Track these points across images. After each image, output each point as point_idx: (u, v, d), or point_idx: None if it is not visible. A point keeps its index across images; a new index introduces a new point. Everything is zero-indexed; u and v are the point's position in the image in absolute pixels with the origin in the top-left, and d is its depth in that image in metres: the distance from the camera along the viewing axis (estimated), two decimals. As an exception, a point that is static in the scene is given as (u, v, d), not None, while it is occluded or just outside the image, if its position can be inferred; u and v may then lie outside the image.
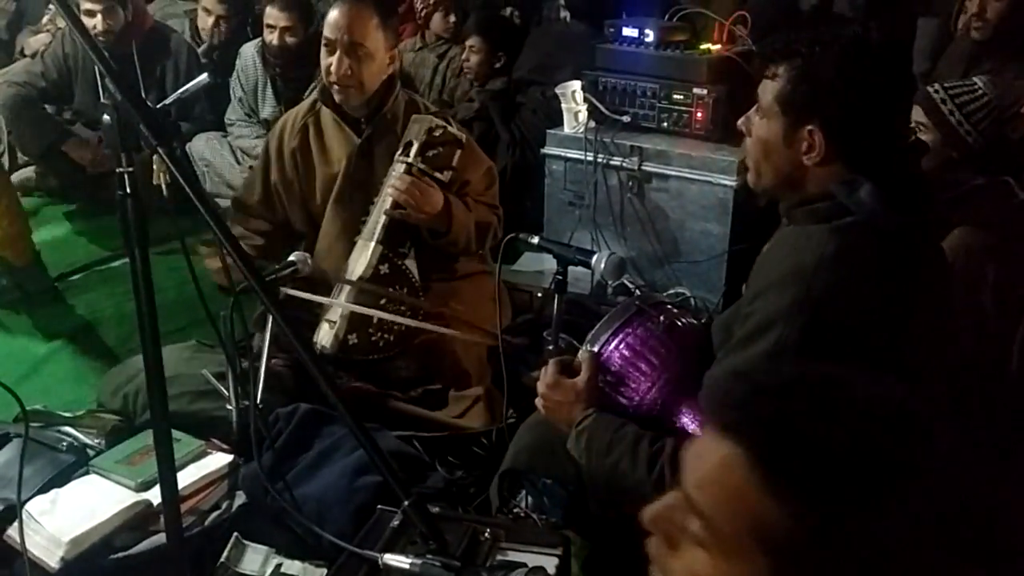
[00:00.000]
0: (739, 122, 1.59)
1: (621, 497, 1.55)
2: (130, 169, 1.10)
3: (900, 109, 1.53)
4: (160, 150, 1.08)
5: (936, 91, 2.30)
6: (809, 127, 1.43)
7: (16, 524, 1.78)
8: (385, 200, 2.42)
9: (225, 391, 2.11)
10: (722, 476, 0.72)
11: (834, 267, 1.39)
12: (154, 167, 1.15)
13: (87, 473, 2.03)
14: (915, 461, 0.69)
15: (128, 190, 1.10)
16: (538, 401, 1.70)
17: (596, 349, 1.68)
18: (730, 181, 2.91)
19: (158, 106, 1.84)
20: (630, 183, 3.12)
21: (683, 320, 1.72)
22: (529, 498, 2.04)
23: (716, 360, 1.57)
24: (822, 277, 1.39)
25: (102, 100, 1.08)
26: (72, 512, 1.84)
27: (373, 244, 2.45)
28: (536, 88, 3.81)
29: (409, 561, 1.00)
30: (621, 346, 1.67)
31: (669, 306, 1.76)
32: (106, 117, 1.09)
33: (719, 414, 0.75)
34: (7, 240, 3.20)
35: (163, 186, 1.18)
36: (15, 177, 4.39)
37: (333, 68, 2.40)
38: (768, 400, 0.73)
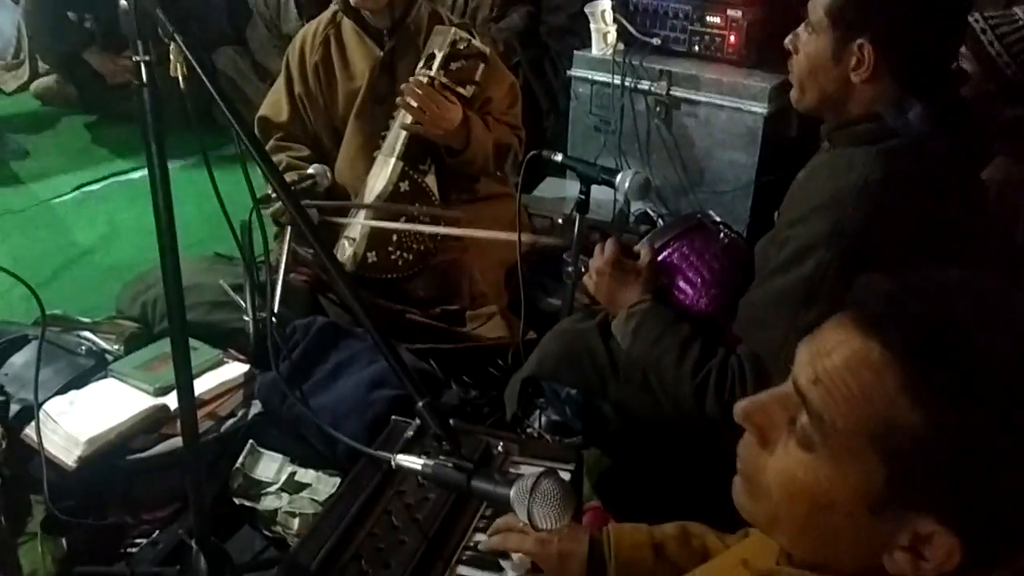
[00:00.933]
0: (786, 40, 1.53)
1: (653, 392, 1.54)
2: (147, 58, 1.06)
3: (953, 27, 1.47)
4: (177, 37, 1.04)
5: (976, 20, 2.21)
6: (859, 41, 1.38)
7: (33, 424, 1.80)
8: (405, 115, 2.37)
9: (242, 302, 2.11)
10: (851, 373, 0.68)
11: (878, 192, 1.35)
12: (171, 58, 1.11)
13: (105, 377, 2.04)
14: None
15: (145, 80, 1.06)
16: (591, 274, 1.67)
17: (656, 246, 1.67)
18: (761, 108, 2.83)
19: None
20: (658, 108, 3.04)
21: (739, 242, 1.70)
22: (543, 418, 2.05)
23: (753, 284, 1.55)
24: (865, 202, 1.35)
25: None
26: (90, 413, 1.86)
27: (393, 160, 2.41)
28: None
29: (422, 462, 0.99)
30: (675, 255, 1.66)
31: (726, 226, 1.74)
32: (123, 2, 1.05)
33: (863, 309, 0.71)
34: None
35: (179, 78, 1.14)
36: (35, 86, 4.37)
37: None
38: (925, 301, 0.69)
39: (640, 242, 1.71)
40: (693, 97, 2.97)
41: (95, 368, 2.09)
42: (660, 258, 1.67)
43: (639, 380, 1.58)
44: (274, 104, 2.62)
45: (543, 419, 2.06)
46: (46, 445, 1.78)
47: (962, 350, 0.65)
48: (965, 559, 0.67)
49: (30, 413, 1.84)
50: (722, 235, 1.68)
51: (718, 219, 1.78)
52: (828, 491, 0.70)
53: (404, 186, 2.41)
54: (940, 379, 0.65)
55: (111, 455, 1.81)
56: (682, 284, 1.65)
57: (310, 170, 2.27)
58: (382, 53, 2.45)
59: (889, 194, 1.36)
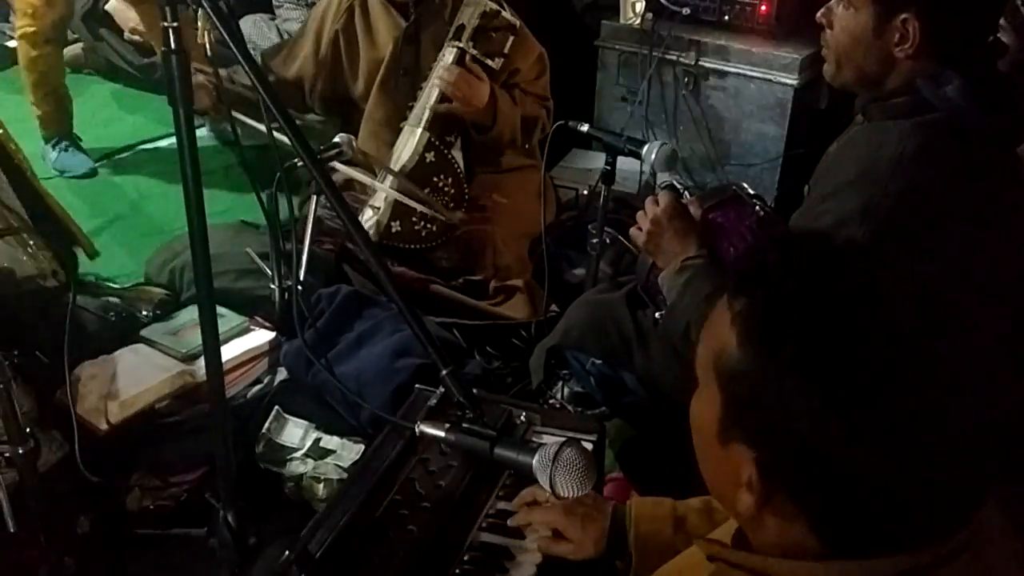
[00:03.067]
0: (818, 14, 1.50)
1: (681, 358, 1.54)
2: (175, 24, 1.06)
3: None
4: (204, 3, 1.04)
5: None
6: (904, 16, 1.34)
7: (65, 387, 1.84)
8: (432, 89, 2.37)
9: (268, 270, 2.13)
10: (715, 310, 0.78)
11: (913, 166, 1.33)
12: (198, 24, 1.11)
13: (135, 343, 2.07)
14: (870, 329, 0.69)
15: (173, 45, 1.06)
16: (645, 224, 1.63)
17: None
18: (791, 80, 2.79)
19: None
20: (686, 79, 3.01)
21: (773, 216, 1.68)
22: (566, 389, 2.06)
23: None
24: (899, 176, 1.33)
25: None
26: (120, 378, 1.90)
27: (420, 131, 2.41)
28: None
29: (445, 429, 1.00)
30: (712, 223, 1.64)
31: (760, 199, 1.72)
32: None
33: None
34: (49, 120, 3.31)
35: (207, 45, 1.15)
36: (64, 53, 4.39)
37: None
38: (771, 247, 0.77)
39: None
40: (722, 68, 2.93)
41: (125, 334, 2.12)
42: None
43: (678, 335, 1.55)
44: (284, 61, 2.61)
45: (566, 390, 2.07)
46: (78, 409, 1.82)
47: (768, 291, 0.72)
48: (815, 538, 0.72)
49: (62, 377, 1.87)
50: (756, 207, 1.66)
51: (752, 192, 1.76)
52: (700, 418, 0.79)
53: (430, 157, 2.41)
54: (751, 318, 0.72)
55: (140, 419, 1.84)
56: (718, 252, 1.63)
57: (336, 139, 2.27)
58: (407, 24, 2.44)
59: (924, 168, 1.34)
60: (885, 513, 0.70)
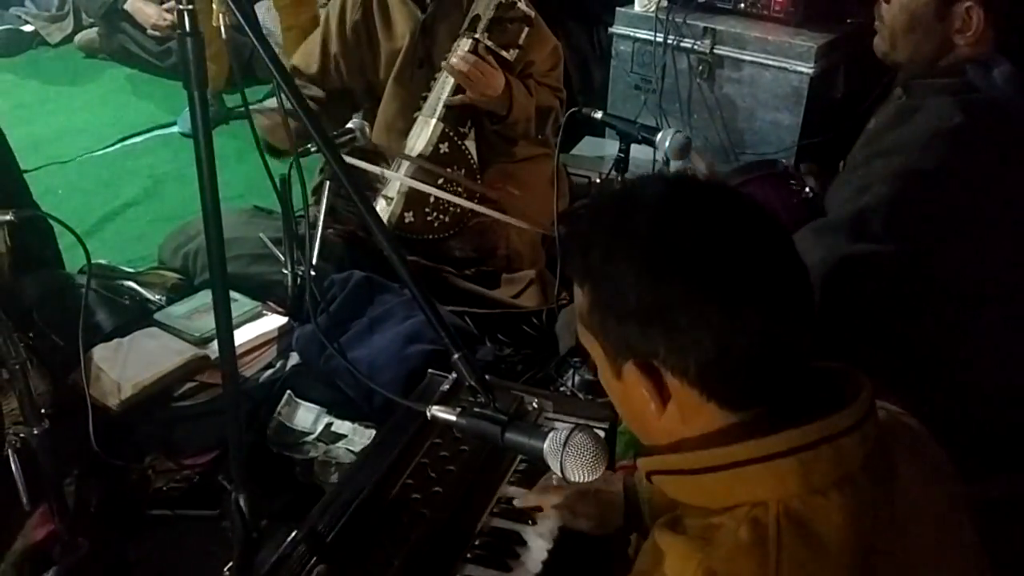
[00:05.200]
0: None
1: None
2: (190, 7, 1.06)
3: None
4: (219, -15, 1.04)
5: None
6: (968, 3, 1.33)
7: (79, 369, 1.85)
8: (447, 80, 2.37)
9: (281, 256, 2.14)
10: (576, 307, 0.89)
11: (950, 140, 1.32)
12: (213, 6, 1.11)
13: (148, 326, 2.09)
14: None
15: (188, 28, 1.06)
16: None
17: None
18: (807, 68, 2.77)
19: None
20: (700, 67, 2.99)
21: (816, 200, 1.66)
22: (577, 376, 2.06)
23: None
24: (936, 146, 1.32)
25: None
26: (133, 360, 1.91)
27: (434, 121, 2.41)
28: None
29: (457, 413, 1.00)
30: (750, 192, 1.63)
31: (803, 181, 1.71)
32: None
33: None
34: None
35: (221, 28, 1.15)
36: (79, 38, 4.41)
37: None
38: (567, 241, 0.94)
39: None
40: (737, 56, 2.91)
41: (138, 317, 2.13)
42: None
43: None
44: (307, 55, 2.62)
45: (577, 378, 2.07)
46: (92, 391, 1.83)
47: (577, 241, 0.88)
48: (729, 411, 0.81)
49: (76, 359, 1.88)
50: (793, 184, 1.64)
51: (793, 173, 1.74)
52: (602, 375, 0.89)
53: (444, 148, 2.41)
54: (573, 266, 0.88)
55: (154, 402, 1.85)
56: None
57: (349, 124, 2.28)
58: (424, 15, 2.43)
59: (960, 144, 1.32)
60: (760, 372, 0.79)
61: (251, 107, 1.84)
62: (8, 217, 1.51)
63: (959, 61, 1.36)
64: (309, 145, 1.86)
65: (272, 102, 2.20)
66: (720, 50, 2.93)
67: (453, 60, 2.33)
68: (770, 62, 2.85)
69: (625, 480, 1.26)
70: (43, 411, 1.53)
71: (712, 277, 0.78)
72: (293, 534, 1.16)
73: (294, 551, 1.16)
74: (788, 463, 0.77)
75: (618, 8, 3.16)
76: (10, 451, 1.56)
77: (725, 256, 0.79)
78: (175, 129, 3.57)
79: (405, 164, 2.43)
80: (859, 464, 0.79)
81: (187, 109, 3.38)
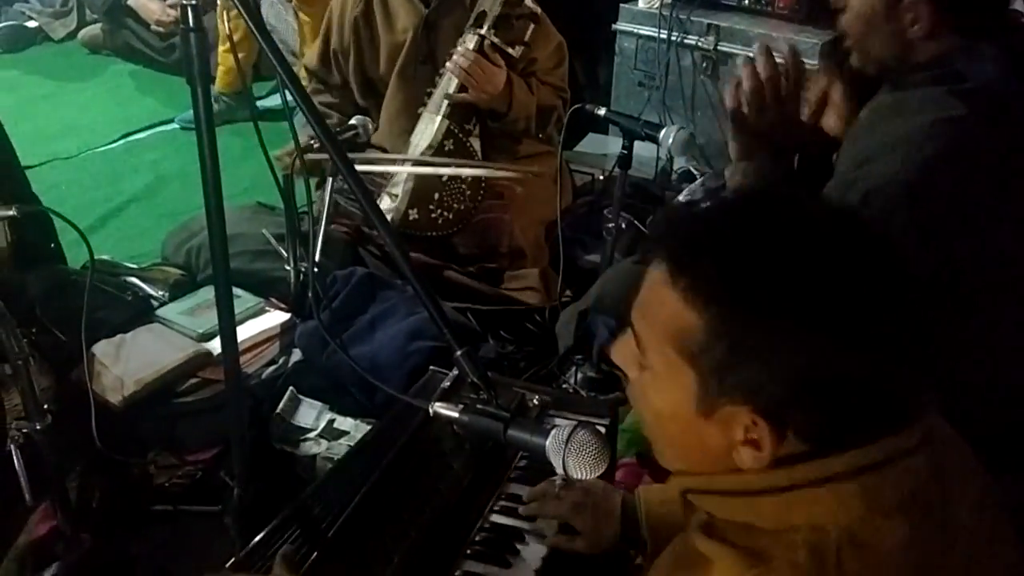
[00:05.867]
0: None
1: None
2: (194, 2, 1.06)
3: None
4: (222, -18, 1.04)
5: None
6: None
7: (82, 365, 1.85)
8: (451, 77, 2.37)
9: (284, 252, 2.14)
10: (651, 295, 0.78)
11: (950, 130, 1.30)
12: (218, 3, 1.11)
13: (151, 322, 2.09)
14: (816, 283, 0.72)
15: (192, 24, 1.06)
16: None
17: None
18: (812, 64, 2.75)
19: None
20: (704, 64, 2.98)
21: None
22: (579, 374, 2.06)
23: None
24: (935, 139, 1.30)
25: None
26: (136, 356, 1.91)
27: (439, 118, 2.41)
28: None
29: (459, 409, 1.00)
30: None
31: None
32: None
33: (650, 239, 0.82)
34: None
35: (227, 28, 1.15)
36: (82, 34, 4.41)
37: None
38: (684, 219, 0.80)
39: None
40: (741, 52, 2.90)
41: (141, 313, 2.14)
42: None
43: None
44: (313, 51, 2.62)
45: (579, 375, 2.07)
46: (94, 386, 1.83)
47: (712, 255, 0.74)
48: (802, 442, 0.74)
49: (79, 355, 1.89)
50: None
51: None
52: (668, 404, 0.79)
53: (449, 145, 2.41)
54: (699, 282, 0.74)
55: (156, 398, 1.86)
56: None
57: (352, 121, 2.27)
58: (427, 10, 2.43)
59: (959, 134, 1.31)
60: (861, 407, 0.73)
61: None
62: (11, 213, 1.52)
63: (936, 55, 1.35)
64: (312, 142, 1.87)
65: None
66: (724, 47, 2.93)
67: (455, 57, 2.32)
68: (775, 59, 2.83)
69: (624, 496, 1.24)
70: (46, 407, 1.53)
71: (862, 333, 0.72)
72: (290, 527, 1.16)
73: (282, 530, 1.16)
74: (850, 486, 0.73)
75: (622, 4, 3.16)
76: (13, 447, 1.56)
77: (868, 307, 0.73)
78: (174, 124, 3.59)
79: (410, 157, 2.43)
80: (923, 485, 0.75)
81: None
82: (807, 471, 0.74)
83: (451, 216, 2.43)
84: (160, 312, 2.11)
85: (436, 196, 2.39)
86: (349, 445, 1.82)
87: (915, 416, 0.76)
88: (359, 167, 2.18)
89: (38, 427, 1.51)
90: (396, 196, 2.42)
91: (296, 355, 2.05)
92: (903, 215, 1.31)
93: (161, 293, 2.24)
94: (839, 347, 0.71)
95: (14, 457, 1.57)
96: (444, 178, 2.39)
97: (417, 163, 2.37)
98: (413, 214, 2.41)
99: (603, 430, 1.36)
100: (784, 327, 0.71)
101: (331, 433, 1.85)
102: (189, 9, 1.07)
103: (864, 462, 0.73)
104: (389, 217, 2.38)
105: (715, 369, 0.74)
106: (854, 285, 0.72)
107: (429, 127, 2.43)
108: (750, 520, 0.77)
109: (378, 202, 2.42)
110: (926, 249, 1.33)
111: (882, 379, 0.74)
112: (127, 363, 1.88)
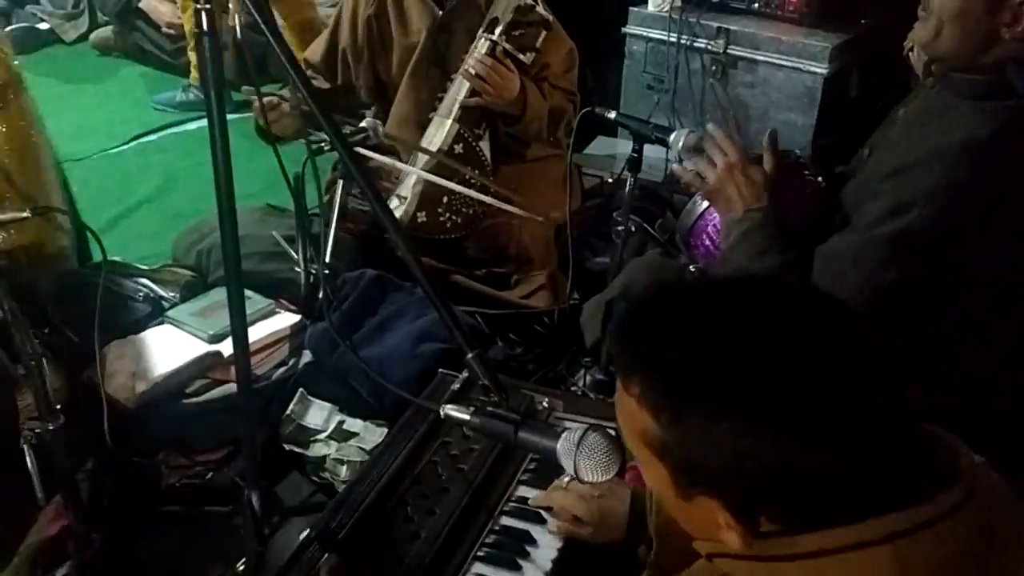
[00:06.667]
0: None
1: None
2: (207, 6, 1.07)
3: None
4: (236, -15, 1.04)
5: None
6: None
7: (94, 365, 1.86)
8: (463, 81, 2.37)
9: (294, 254, 2.14)
10: (619, 394, 0.81)
11: (985, 150, 1.30)
12: (228, 5, 1.12)
13: (162, 323, 2.10)
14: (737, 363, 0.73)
15: (205, 27, 1.07)
16: (721, 165, 1.55)
17: None
18: (821, 69, 2.76)
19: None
20: (713, 68, 2.98)
21: (826, 189, 1.63)
22: (588, 377, 2.06)
23: (842, 232, 1.49)
24: (970, 159, 1.30)
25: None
26: (147, 357, 1.92)
27: (450, 122, 2.41)
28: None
29: (470, 412, 1.00)
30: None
31: (816, 171, 1.69)
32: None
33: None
34: None
35: (236, 27, 1.15)
36: (94, 36, 4.43)
37: None
38: (631, 326, 0.81)
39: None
40: (751, 56, 2.90)
41: (152, 314, 2.15)
42: None
43: None
44: (315, 45, 2.61)
45: (588, 378, 2.07)
46: (107, 387, 1.84)
47: (652, 365, 0.76)
48: (768, 524, 0.75)
49: (91, 355, 1.89)
50: (819, 179, 1.62)
51: (807, 163, 1.72)
52: (657, 487, 0.82)
53: (458, 148, 2.41)
54: (646, 390, 0.76)
55: (167, 398, 1.86)
56: None
57: (363, 123, 2.28)
58: (441, 13, 2.43)
59: (995, 155, 1.30)
60: (858, 484, 0.72)
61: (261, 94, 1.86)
62: (25, 214, 1.53)
63: (1001, 58, 1.34)
64: (323, 144, 1.87)
65: (285, 92, 2.18)
66: (734, 50, 2.92)
67: (470, 62, 2.33)
68: (784, 62, 2.84)
69: (633, 492, 1.25)
70: (58, 407, 1.54)
71: (833, 423, 0.71)
72: (307, 532, 1.17)
73: (307, 548, 1.16)
74: (883, 551, 0.71)
75: (631, 8, 3.16)
76: (25, 446, 1.57)
77: (840, 397, 0.72)
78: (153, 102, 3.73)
79: (420, 161, 2.43)
80: (962, 547, 0.73)
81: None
82: (836, 538, 0.73)
83: (459, 220, 2.43)
84: (171, 313, 2.12)
85: (445, 200, 2.39)
86: (359, 447, 1.82)
87: (947, 470, 0.75)
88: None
89: (50, 427, 1.51)
90: (404, 199, 2.42)
91: (306, 357, 2.05)
92: (923, 235, 1.32)
93: (172, 294, 2.24)
94: (794, 447, 0.71)
95: (27, 456, 1.58)
96: (454, 180, 2.39)
97: (427, 172, 2.37)
98: (421, 217, 2.41)
99: (614, 433, 1.37)
100: (730, 428, 0.71)
101: (340, 434, 1.85)
102: (203, 13, 1.07)
103: (897, 527, 0.72)
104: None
105: (678, 465, 0.76)
106: (806, 382, 0.72)
107: (440, 131, 2.43)
108: None
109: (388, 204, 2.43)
110: (955, 260, 1.34)
111: (866, 466, 0.72)
112: (138, 364, 1.89)
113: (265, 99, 2.10)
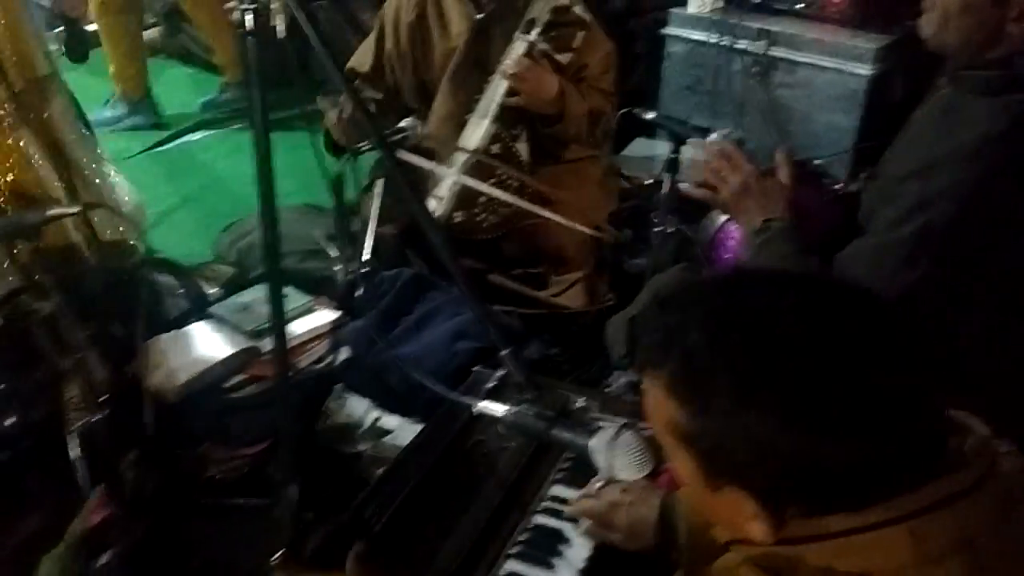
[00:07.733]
0: None
1: None
2: (253, 6, 1.09)
3: None
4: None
5: None
6: None
7: (138, 358, 1.90)
8: (501, 82, 2.38)
9: (333, 252, 2.17)
10: (646, 385, 0.82)
11: (999, 147, 1.29)
12: (271, 7, 1.13)
13: (204, 319, 2.14)
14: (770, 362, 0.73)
15: (250, 28, 1.09)
16: (738, 179, 1.54)
17: None
18: (865, 70, 2.72)
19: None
20: (754, 69, 2.95)
21: (845, 195, 1.63)
22: (623, 379, 2.05)
23: (863, 235, 1.48)
24: (984, 158, 1.29)
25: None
26: (189, 351, 1.96)
27: (487, 123, 2.41)
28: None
29: (504, 409, 1.01)
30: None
31: (834, 179, 1.68)
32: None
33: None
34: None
35: (279, 28, 1.17)
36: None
37: None
38: (656, 317, 0.81)
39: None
40: (793, 57, 2.87)
41: (194, 310, 2.19)
42: None
43: None
44: (360, 55, 2.64)
45: (622, 379, 2.06)
46: (149, 380, 1.88)
47: (678, 354, 0.76)
48: (795, 512, 0.76)
49: (135, 349, 1.94)
50: (837, 187, 1.61)
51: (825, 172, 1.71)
52: (686, 477, 0.82)
53: (495, 149, 2.42)
54: (673, 380, 0.77)
55: (208, 392, 1.90)
56: None
57: (402, 123, 2.30)
58: (480, 16, 2.44)
59: (1011, 149, 1.29)
60: (867, 479, 0.73)
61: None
62: (75, 210, 1.56)
63: (1009, 53, 1.32)
64: (362, 144, 1.89)
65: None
66: (775, 51, 2.89)
67: (507, 63, 2.34)
68: (827, 64, 2.80)
69: (664, 497, 1.24)
70: (102, 399, 1.57)
71: (862, 411, 0.71)
72: (338, 522, 1.18)
73: (338, 535, 1.18)
74: (897, 532, 0.72)
75: (672, 9, 3.14)
76: (70, 437, 1.60)
77: (869, 385, 0.72)
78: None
79: (459, 161, 2.44)
80: (982, 527, 0.73)
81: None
82: (849, 520, 0.73)
83: (496, 220, 2.43)
84: (212, 309, 2.16)
85: (482, 199, 2.40)
86: (394, 443, 1.84)
87: (966, 450, 0.76)
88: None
89: (95, 418, 1.55)
90: (441, 199, 2.43)
91: (344, 353, 2.08)
92: (940, 234, 1.31)
93: (214, 291, 2.29)
94: (821, 435, 0.71)
95: (71, 447, 1.62)
96: (491, 181, 2.40)
97: (464, 174, 2.38)
98: (458, 217, 2.42)
99: (648, 433, 1.36)
100: (757, 417, 0.72)
101: (377, 431, 1.87)
102: (246, 14, 1.10)
103: (911, 508, 0.72)
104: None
105: (705, 455, 0.77)
106: (833, 370, 0.72)
107: (476, 131, 2.44)
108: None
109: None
110: (978, 256, 1.32)
111: (891, 450, 0.72)
112: (181, 357, 1.93)
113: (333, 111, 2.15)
